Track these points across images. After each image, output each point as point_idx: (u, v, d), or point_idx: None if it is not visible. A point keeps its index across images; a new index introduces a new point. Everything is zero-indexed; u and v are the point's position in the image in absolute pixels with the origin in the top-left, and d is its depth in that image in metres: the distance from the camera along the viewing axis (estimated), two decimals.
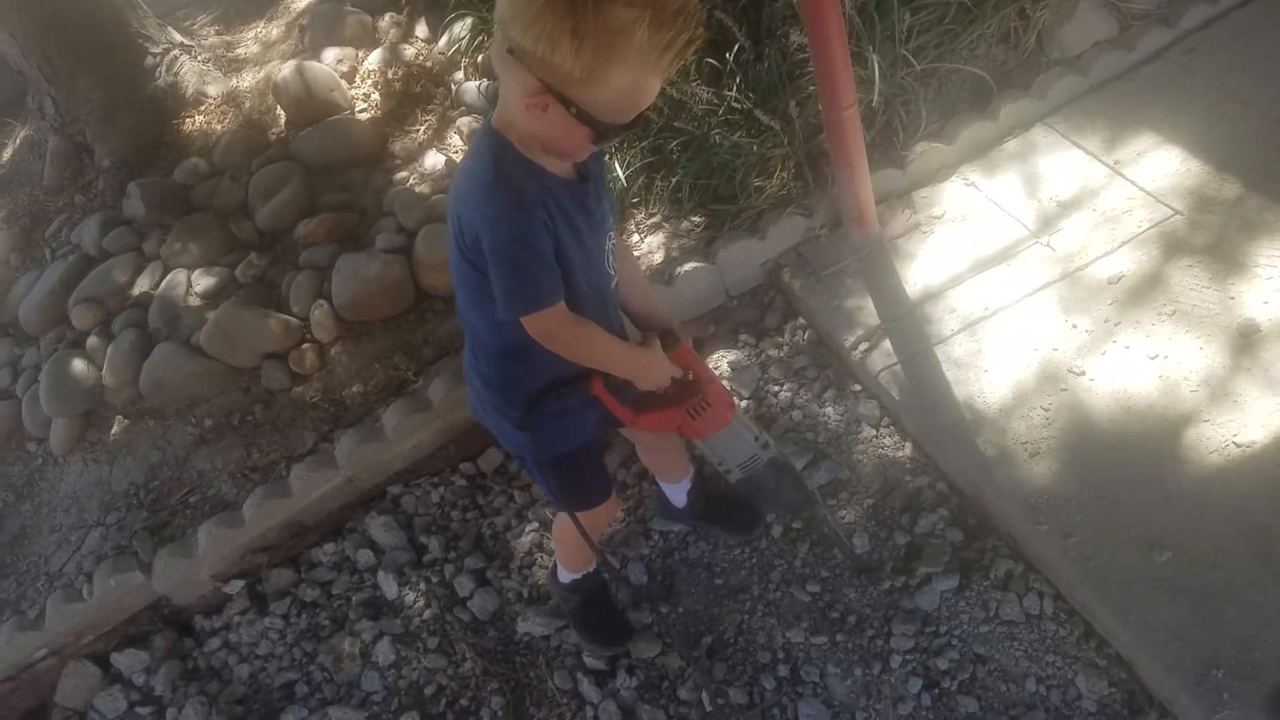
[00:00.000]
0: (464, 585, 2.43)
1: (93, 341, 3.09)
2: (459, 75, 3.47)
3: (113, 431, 2.97)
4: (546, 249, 1.45)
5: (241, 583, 2.61)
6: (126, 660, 2.57)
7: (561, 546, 2.18)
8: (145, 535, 2.68)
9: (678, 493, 2.30)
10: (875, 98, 2.58)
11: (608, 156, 2.82)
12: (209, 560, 2.58)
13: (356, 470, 2.62)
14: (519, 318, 1.50)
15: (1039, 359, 2.24)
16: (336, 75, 3.67)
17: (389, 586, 2.50)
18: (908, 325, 2.40)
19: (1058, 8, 2.75)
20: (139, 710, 2.50)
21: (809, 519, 2.25)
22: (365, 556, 2.57)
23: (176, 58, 4.02)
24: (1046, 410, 2.16)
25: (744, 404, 2.53)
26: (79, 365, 3.03)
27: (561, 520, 2.10)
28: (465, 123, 3.33)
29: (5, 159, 4.48)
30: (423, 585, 2.49)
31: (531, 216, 1.42)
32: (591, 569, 2.21)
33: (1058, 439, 2.10)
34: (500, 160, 1.43)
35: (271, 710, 2.41)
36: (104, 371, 2.99)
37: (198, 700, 2.44)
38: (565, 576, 2.21)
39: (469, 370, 1.80)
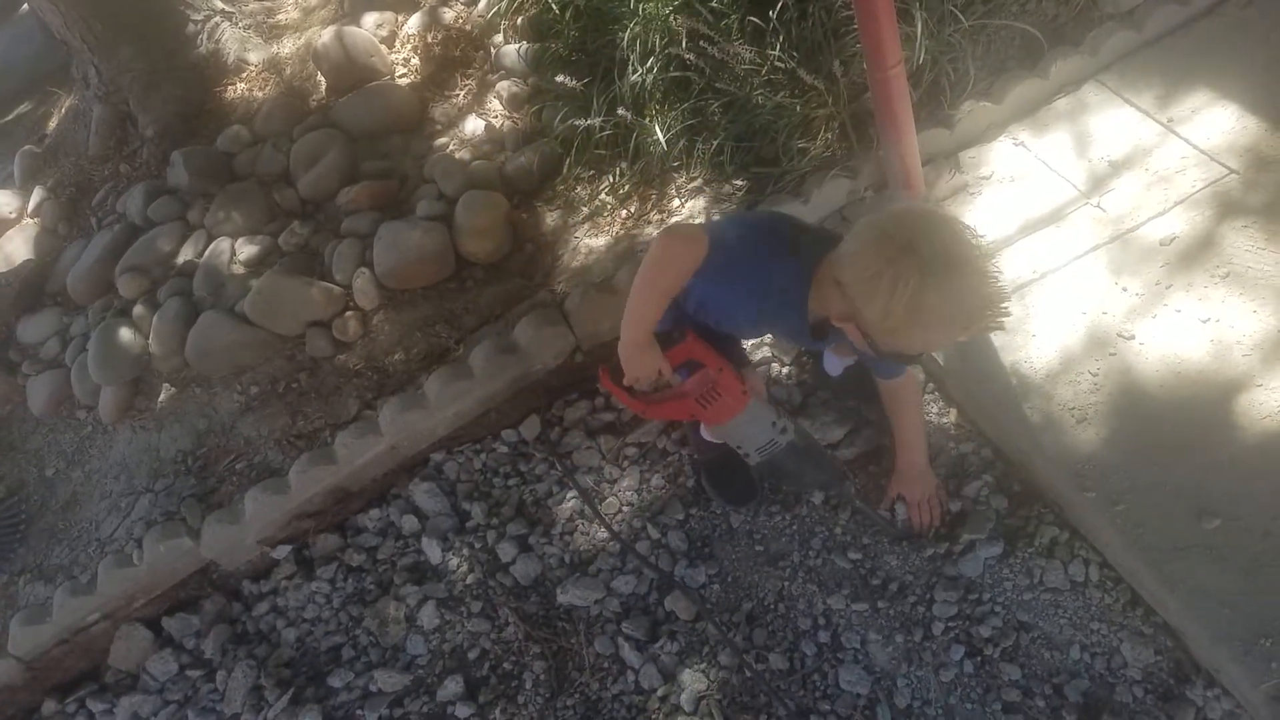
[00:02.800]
0: (506, 551, 2.46)
1: (139, 310, 3.14)
2: (498, 38, 3.44)
3: (160, 399, 3.03)
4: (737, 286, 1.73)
5: (288, 548, 2.66)
6: (177, 624, 2.64)
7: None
8: (193, 502, 2.74)
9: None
10: (921, 56, 2.52)
11: (647, 119, 2.79)
12: (256, 526, 2.63)
13: (400, 437, 2.65)
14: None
15: (1087, 323, 2.20)
16: (376, 40, 3.66)
17: (433, 552, 2.53)
18: None
19: None
20: (189, 673, 2.58)
21: (839, 499, 2.25)
22: (409, 522, 2.61)
23: (218, 24, 4.04)
24: (1094, 375, 2.12)
25: (785, 370, 2.51)
26: (126, 334, 3.09)
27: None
28: (505, 86, 3.30)
29: (51, 128, 4.55)
30: (465, 551, 2.52)
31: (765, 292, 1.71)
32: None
33: (1106, 404, 2.06)
34: (791, 290, 1.69)
35: (319, 673, 2.47)
36: (150, 340, 3.04)
37: (247, 663, 2.50)
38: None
39: None
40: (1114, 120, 2.56)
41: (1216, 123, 2.45)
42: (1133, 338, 2.14)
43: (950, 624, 2.04)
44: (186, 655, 2.61)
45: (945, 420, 2.30)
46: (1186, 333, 2.10)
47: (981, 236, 1.61)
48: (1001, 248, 2.40)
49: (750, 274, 1.71)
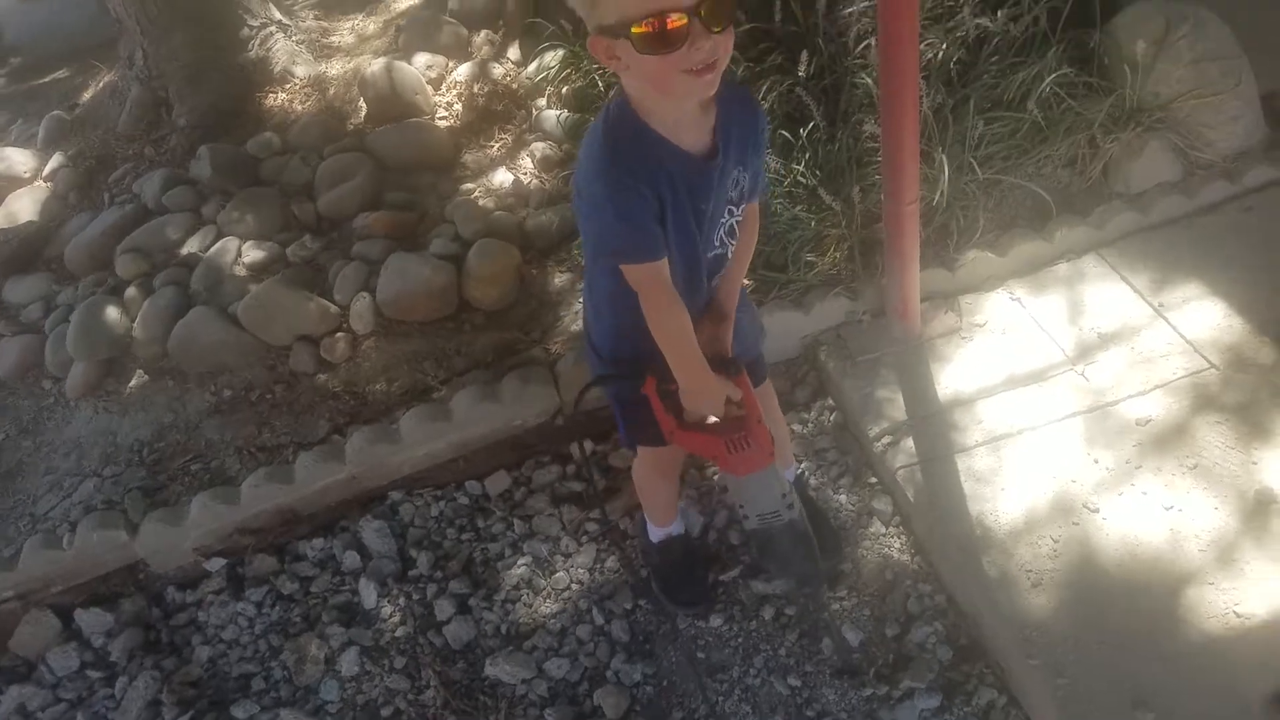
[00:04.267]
0: (444, 609, 2.40)
1: (131, 292, 3.13)
2: (541, 102, 3.53)
3: (130, 384, 3.00)
4: (641, 214, 1.50)
5: (223, 562, 2.60)
6: (90, 619, 2.53)
7: (642, 497, 2.26)
8: (139, 495, 2.69)
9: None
10: (937, 197, 2.60)
11: None
12: (196, 532, 2.58)
13: (362, 468, 2.62)
14: (618, 265, 1.58)
15: (1056, 488, 2.22)
16: (423, 80, 3.74)
17: (368, 594, 2.47)
18: (933, 427, 2.39)
19: (1128, 143, 2.77)
20: (90, 673, 2.46)
21: (809, 599, 2.22)
22: (351, 559, 2.55)
23: (272, 34, 4.13)
24: (1055, 541, 2.13)
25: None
26: (113, 312, 3.07)
27: (638, 468, 2.18)
28: (539, 147, 3.38)
29: (85, 99, 4.61)
30: (402, 600, 2.46)
31: (632, 175, 1.48)
32: (677, 528, 2.27)
33: (1062, 573, 2.07)
34: (616, 123, 1.51)
35: (223, 699, 2.37)
36: (136, 323, 3.03)
37: (151, 674, 2.40)
38: (655, 534, 2.26)
39: (585, 312, 1.92)
40: (1109, 294, 2.62)
41: (1205, 316, 2.51)
42: (1097, 511, 2.16)
43: None
44: (91, 653, 2.49)
45: (905, 558, 2.30)
46: (1149, 516, 2.12)
47: None
48: (984, 396, 2.43)
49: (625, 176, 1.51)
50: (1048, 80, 2.71)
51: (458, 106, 3.74)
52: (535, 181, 3.37)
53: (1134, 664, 1.90)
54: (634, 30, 1.36)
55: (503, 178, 3.40)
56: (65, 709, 2.43)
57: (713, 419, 1.72)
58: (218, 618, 2.50)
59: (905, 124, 2.15)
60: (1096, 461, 2.25)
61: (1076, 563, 2.08)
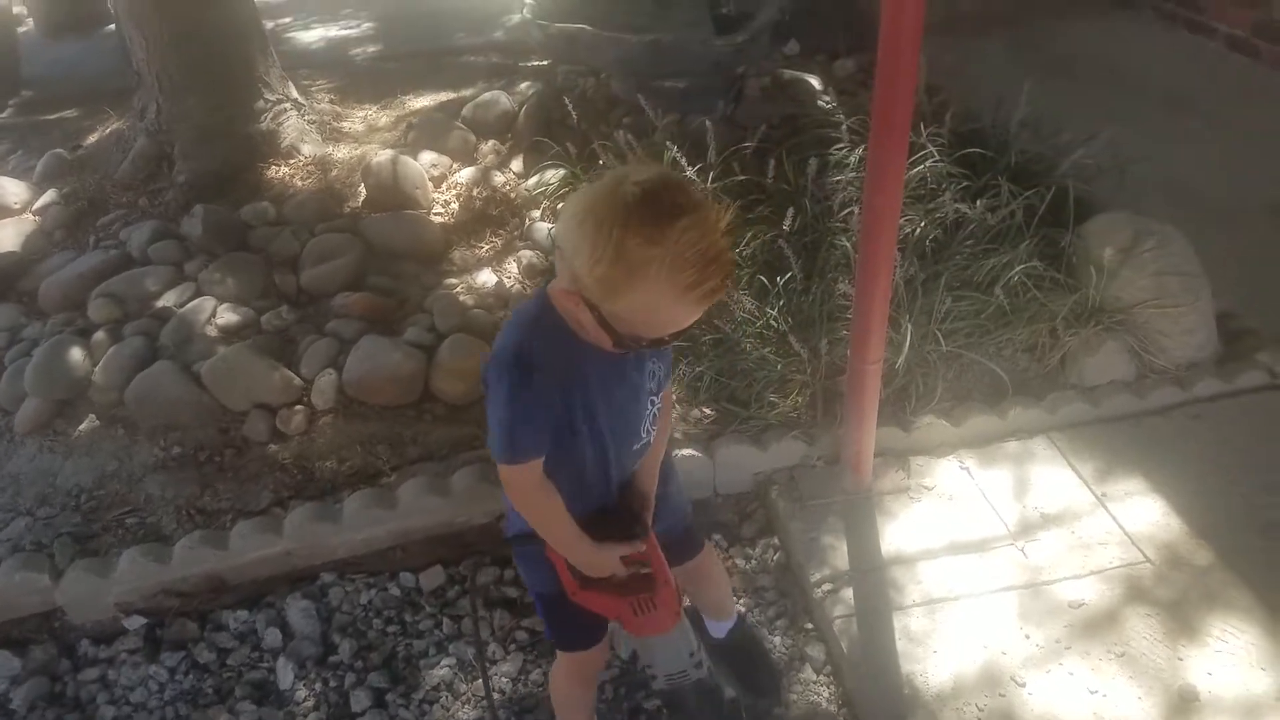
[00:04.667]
0: (359, 700, 2.34)
1: (99, 336, 3.13)
2: (536, 213, 3.67)
3: (80, 427, 2.96)
4: (543, 411, 1.51)
5: (143, 621, 2.52)
6: None
7: (560, 712, 2.12)
8: (68, 541, 2.62)
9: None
10: (900, 361, 2.72)
11: None
12: (121, 587, 2.51)
13: (299, 545, 2.59)
14: (498, 463, 1.56)
15: (986, 657, 2.25)
16: (426, 176, 3.87)
17: (285, 675, 2.40)
18: (873, 582, 2.43)
19: (1086, 339, 2.93)
20: None
21: None
22: (273, 636, 2.49)
23: (285, 110, 4.27)
24: (980, 711, 2.15)
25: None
26: (76, 354, 3.06)
27: (557, 678, 2.08)
28: (527, 255, 3.49)
29: (89, 141, 4.68)
30: (319, 685, 2.39)
31: (548, 373, 1.48)
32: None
33: None
34: (542, 314, 1.52)
35: None
36: (98, 368, 3.01)
37: None
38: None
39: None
40: (1054, 477, 2.73)
41: (1144, 512, 2.62)
42: (1024, 685, 2.19)
43: None
44: None
45: (832, 708, 2.29)
46: (1073, 697, 2.16)
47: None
48: (925, 558, 2.49)
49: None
50: (1017, 269, 2.89)
51: (454, 205, 3.87)
52: (518, 286, 3.47)
53: None
54: (629, 334, 1.42)
55: (487, 278, 3.49)
56: None
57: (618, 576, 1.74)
58: (129, 678, 2.40)
59: (877, 289, 2.27)
60: (1028, 637, 2.30)
61: None
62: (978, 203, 2.96)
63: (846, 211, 2.94)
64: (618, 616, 1.75)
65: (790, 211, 2.85)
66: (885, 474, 2.71)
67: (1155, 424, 2.91)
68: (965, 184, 3.03)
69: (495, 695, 2.37)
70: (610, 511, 1.72)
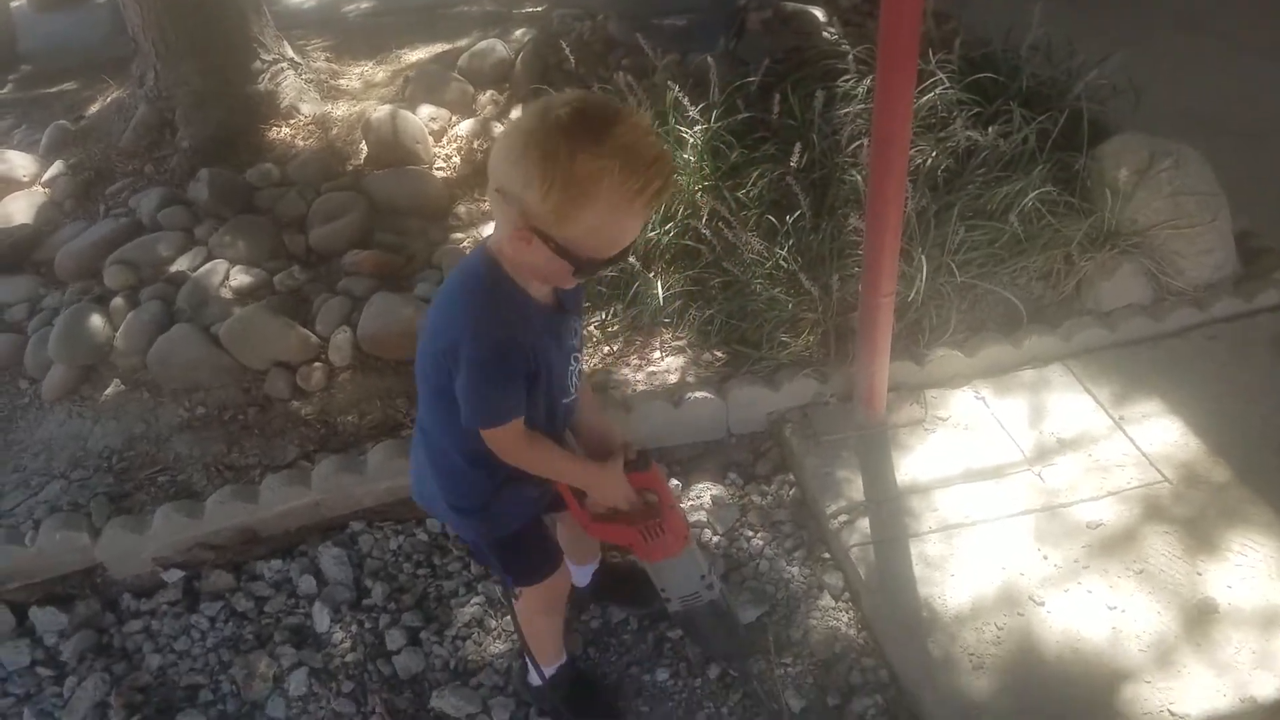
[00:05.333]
0: (395, 639, 2.41)
1: (117, 303, 3.17)
2: None
3: (106, 392, 3.01)
4: (519, 369, 1.56)
5: (180, 574, 2.59)
6: (45, 617, 2.53)
7: (531, 641, 2.11)
8: (104, 500, 2.69)
9: (583, 574, 2.37)
10: (913, 294, 2.73)
11: (652, 274, 2.96)
12: (157, 542, 2.57)
13: (327, 496, 2.64)
14: (480, 430, 1.60)
15: (1004, 579, 2.30)
16: (426, 130, 3.86)
17: (321, 619, 2.48)
18: (889, 511, 2.47)
19: (1102, 264, 2.92)
20: (39, 670, 2.45)
21: (739, 671, 2.26)
22: (307, 583, 2.56)
23: (282, 69, 4.25)
24: (999, 629, 2.20)
25: (715, 539, 2.57)
26: (96, 321, 3.10)
27: (524, 612, 2.09)
28: None
29: (90, 112, 4.68)
30: (354, 627, 2.47)
31: (513, 336, 1.53)
32: (564, 659, 2.21)
33: (1003, 660, 2.13)
34: (493, 279, 1.55)
35: (170, 707, 2.36)
36: (118, 334, 3.05)
37: (100, 676, 2.39)
38: (537, 678, 2.18)
39: (419, 463, 1.86)
40: (1070, 403, 2.75)
41: (1162, 432, 2.64)
42: (1042, 604, 2.23)
43: None
44: (42, 651, 2.48)
45: (851, 631, 2.35)
46: (1092, 614, 2.20)
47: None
48: (941, 486, 2.52)
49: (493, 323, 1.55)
50: (1031, 196, 2.87)
51: (456, 159, 3.86)
52: None
53: None
54: (587, 256, 1.45)
55: (492, 230, 3.49)
56: (12, 703, 2.41)
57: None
58: (170, 628, 2.49)
59: (889, 221, 2.27)
60: (1045, 558, 2.34)
61: (1018, 651, 2.14)
62: (989, 129, 2.94)
63: (855, 145, 2.92)
64: (630, 543, 1.80)
65: (797, 147, 2.84)
66: (899, 408, 2.73)
67: (1172, 346, 2.92)
68: (976, 111, 3.01)
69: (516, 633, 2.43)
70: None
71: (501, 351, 1.53)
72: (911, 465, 2.59)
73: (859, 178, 2.87)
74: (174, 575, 2.59)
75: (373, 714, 2.29)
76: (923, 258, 2.74)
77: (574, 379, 1.75)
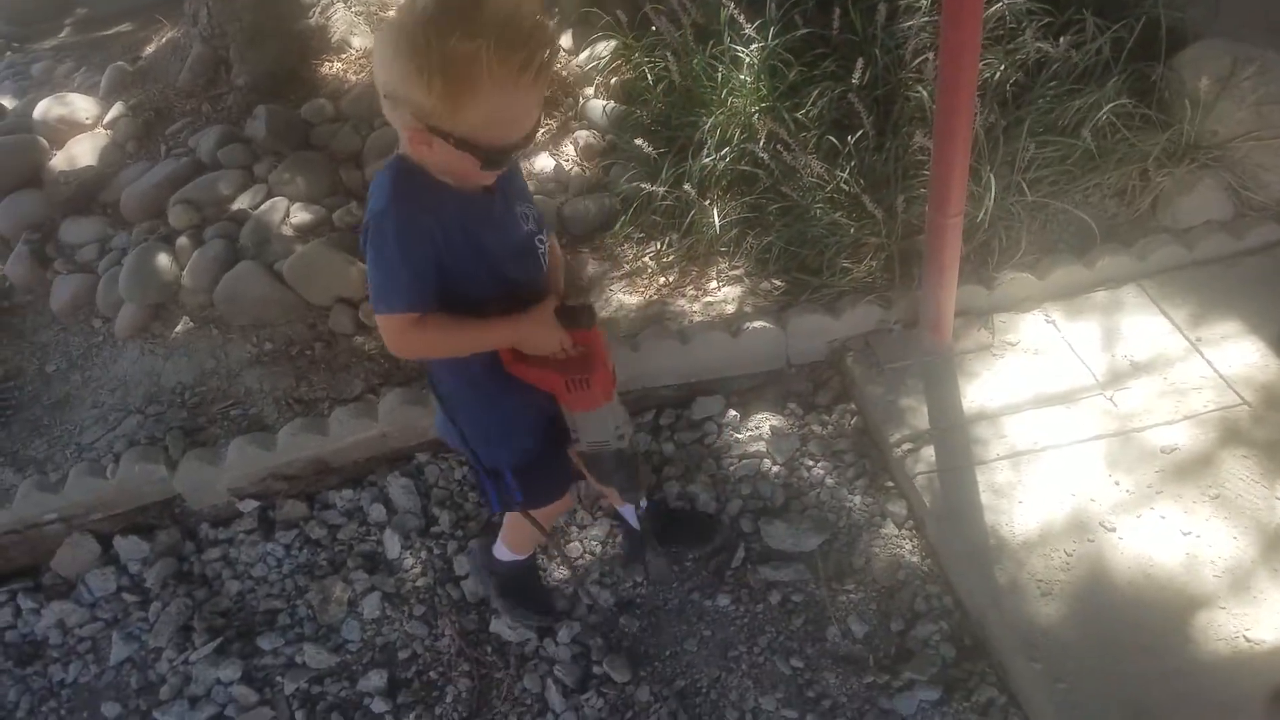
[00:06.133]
0: (462, 565, 2.49)
1: (182, 242, 3.22)
2: (589, 90, 3.59)
3: (176, 329, 3.09)
4: (417, 256, 1.48)
5: (255, 504, 2.69)
6: (128, 546, 2.65)
7: (514, 535, 2.24)
8: (179, 434, 2.78)
9: (630, 513, 2.36)
10: (982, 215, 2.64)
11: (708, 202, 2.90)
12: (231, 474, 2.66)
13: (393, 428, 2.69)
14: (377, 315, 1.54)
15: (1074, 505, 2.25)
16: None
17: (392, 545, 2.56)
18: (955, 439, 2.43)
19: (1180, 179, 2.79)
20: (125, 596, 2.58)
21: (631, 501, 2.13)
22: (377, 511, 2.63)
23: (332, 3, 4.21)
24: (1069, 555, 2.16)
25: (774, 469, 2.57)
26: (163, 260, 3.16)
27: (515, 530, 2.21)
28: (583, 136, 3.43)
29: (147, 53, 4.70)
30: (424, 554, 2.54)
31: (416, 222, 1.47)
32: (530, 556, 2.32)
33: (1073, 585, 2.11)
34: (403, 170, 1.50)
35: (250, 631, 2.48)
36: (185, 272, 3.12)
37: (183, 602, 2.51)
38: (505, 555, 2.29)
39: (433, 392, 1.83)
40: (1145, 325, 2.65)
41: (1241, 354, 2.54)
42: (1114, 530, 2.19)
43: None
44: (127, 578, 2.62)
45: (915, 559, 2.34)
46: (1166, 540, 2.15)
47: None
48: (1009, 413, 2.47)
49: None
50: (1105, 109, 2.74)
51: None
52: (576, 169, 3.43)
53: (1137, 677, 1.94)
54: (490, 144, 1.41)
55: (545, 162, 3.45)
56: (101, 627, 2.55)
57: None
58: (248, 555, 2.59)
59: (957, 139, 2.19)
60: (1117, 484, 2.28)
61: (1088, 577, 2.11)
62: (1061, 40, 2.79)
63: (920, 59, 2.80)
64: (551, 389, 1.77)
65: (859, 64, 2.73)
66: (966, 333, 2.67)
67: (1253, 264, 2.79)
68: (1047, 21, 2.85)
69: (585, 557, 2.48)
70: (561, 309, 1.70)
71: (399, 236, 1.46)
72: (979, 392, 2.54)
73: (924, 94, 2.76)
74: (249, 505, 2.68)
75: (443, 636, 2.36)
76: (991, 176, 2.64)
77: (541, 262, 1.70)
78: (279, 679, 2.38)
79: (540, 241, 1.71)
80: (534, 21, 1.34)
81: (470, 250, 1.55)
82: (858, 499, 2.47)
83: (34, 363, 3.16)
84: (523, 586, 2.37)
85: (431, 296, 1.52)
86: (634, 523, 2.30)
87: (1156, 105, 2.87)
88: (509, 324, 1.64)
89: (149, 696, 2.42)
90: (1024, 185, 2.71)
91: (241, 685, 2.37)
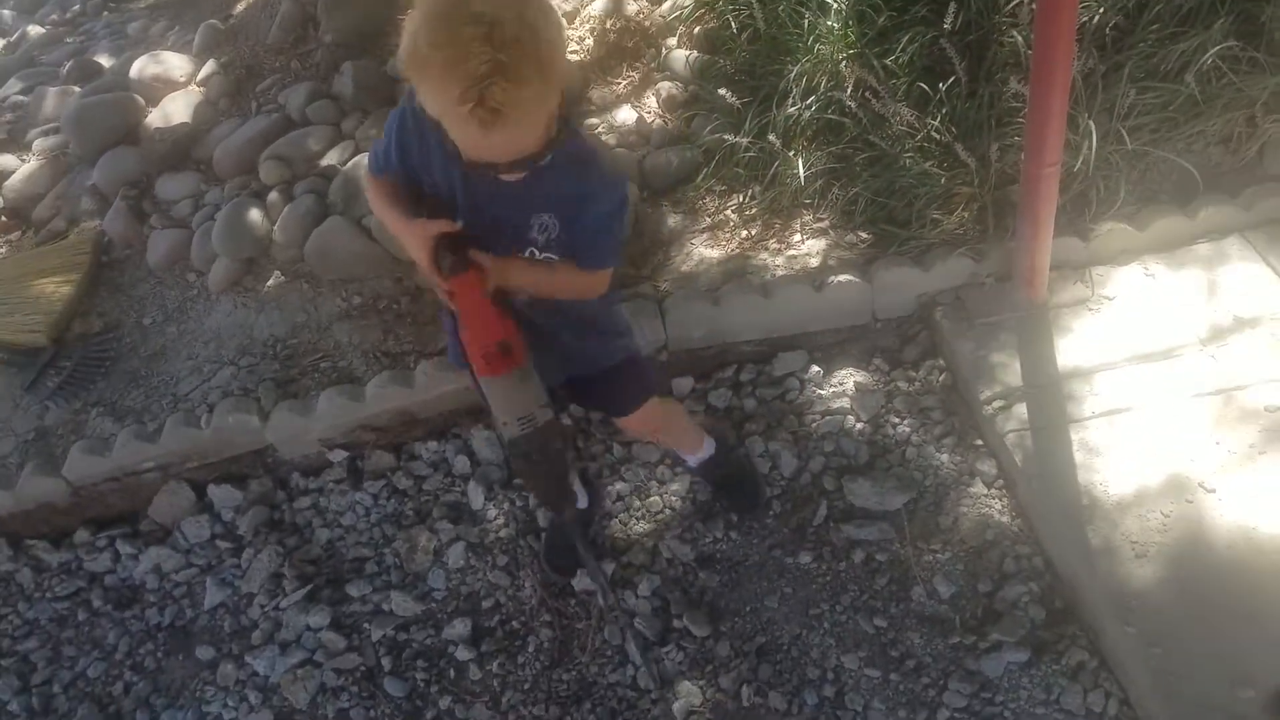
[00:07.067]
0: (544, 516, 2.52)
1: (273, 197, 3.30)
2: (672, 41, 3.54)
3: (268, 283, 3.17)
4: (397, 142, 1.62)
5: (344, 454, 2.77)
6: (221, 494, 2.76)
7: (679, 436, 2.36)
8: (271, 385, 2.86)
9: (690, 460, 2.45)
10: (1079, 164, 2.53)
11: (793, 153, 2.84)
12: (322, 425, 2.74)
13: None
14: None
15: (1172, 465, 2.18)
16: (559, 13, 3.78)
17: (476, 497, 2.61)
18: (1048, 396, 2.36)
19: None
20: (219, 543, 2.69)
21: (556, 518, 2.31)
22: (462, 463, 2.69)
23: None
24: (1166, 516, 2.10)
25: (859, 426, 2.54)
26: (255, 215, 3.24)
27: (668, 411, 2.31)
28: (665, 87, 3.39)
29: (238, 11, 4.79)
30: (506, 505, 2.59)
31: (409, 120, 1.58)
32: (712, 442, 2.39)
33: (1169, 548, 2.04)
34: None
35: (339, 578, 2.56)
36: (276, 227, 3.19)
37: (275, 549, 2.61)
38: (699, 457, 2.38)
39: (566, 332, 1.89)
40: (1250, 278, 2.53)
41: None
42: (1214, 491, 2.11)
43: (957, 714, 2.03)
44: (221, 526, 2.72)
45: (1004, 519, 2.30)
46: (1270, 501, 2.07)
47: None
48: (1105, 370, 2.39)
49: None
50: (1210, 52, 2.58)
51: (589, 41, 3.76)
52: (658, 121, 3.39)
53: (1237, 643, 1.88)
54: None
55: (626, 115, 3.42)
56: (196, 573, 2.67)
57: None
58: (337, 505, 2.68)
59: (1056, 84, 2.09)
60: (1218, 444, 2.20)
61: (1186, 539, 2.04)
62: None
63: (1015, 2, 2.68)
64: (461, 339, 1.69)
65: (951, 8, 2.63)
66: (1062, 287, 2.57)
67: None
68: None
69: (665, 511, 2.50)
70: (441, 239, 1.58)
71: (396, 115, 1.62)
72: (1073, 348, 2.46)
73: (1019, 38, 2.64)
74: (339, 456, 2.76)
75: (524, 586, 2.42)
76: (1090, 124, 2.52)
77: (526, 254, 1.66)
78: (366, 626, 2.45)
79: (533, 252, 1.65)
80: (490, 67, 1.27)
81: (438, 180, 1.62)
82: (945, 457, 2.43)
83: (132, 315, 3.28)
84: (730, 480, 2.47)
85: (386, 169, 1.67)
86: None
87: (1266, 48, 2.69)
88: (402, 219, 1.65)
89: (241, 641, 2.53)
90: (1123, 133, 2.59)
91: (330, 631, 2.45)
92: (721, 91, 2.93)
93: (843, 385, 2.62)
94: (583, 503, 2.41)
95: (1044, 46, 2.06)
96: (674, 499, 2.52)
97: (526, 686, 2.29)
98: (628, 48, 3.65)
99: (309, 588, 2.52)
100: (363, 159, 3.30)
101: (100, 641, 2.64)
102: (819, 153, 2.83)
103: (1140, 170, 2.68)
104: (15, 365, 3.19)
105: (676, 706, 2.18)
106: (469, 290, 1.59)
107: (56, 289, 3.35)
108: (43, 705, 2.55)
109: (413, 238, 1.62)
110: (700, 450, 2.37)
